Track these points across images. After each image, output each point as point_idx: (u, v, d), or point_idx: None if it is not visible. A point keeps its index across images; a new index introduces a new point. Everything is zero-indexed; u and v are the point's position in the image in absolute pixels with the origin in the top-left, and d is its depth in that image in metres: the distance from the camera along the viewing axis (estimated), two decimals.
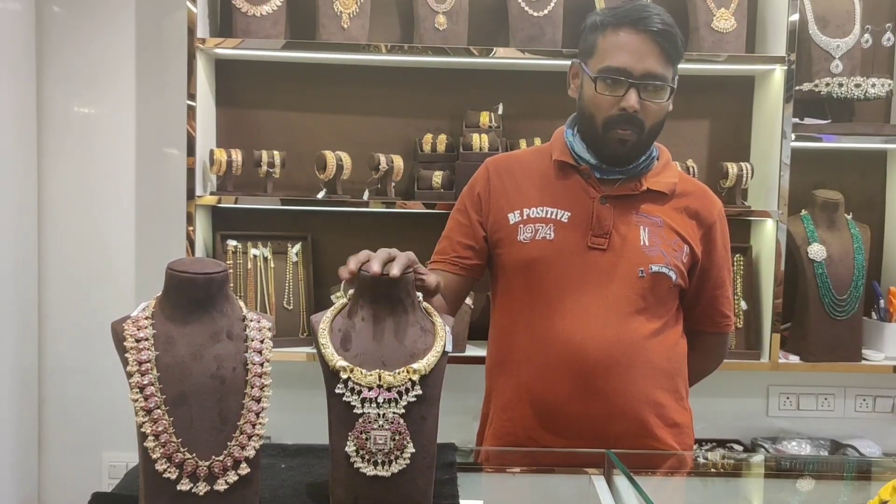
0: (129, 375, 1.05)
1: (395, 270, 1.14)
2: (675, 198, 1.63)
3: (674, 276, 1.59)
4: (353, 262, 1.17)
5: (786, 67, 2.40)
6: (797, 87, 2.48)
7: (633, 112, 1.52)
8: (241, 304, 1.16)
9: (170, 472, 1.03)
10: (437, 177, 2.44)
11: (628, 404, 1.57)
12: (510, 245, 1.61)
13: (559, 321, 1.55)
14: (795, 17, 2.40)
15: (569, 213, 1.58)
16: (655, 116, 1.55)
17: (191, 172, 2.34)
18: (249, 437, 1.07)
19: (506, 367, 1.65)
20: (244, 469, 1.06)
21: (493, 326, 1.71)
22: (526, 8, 2.41)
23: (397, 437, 1.09)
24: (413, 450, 1.10)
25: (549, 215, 1.59)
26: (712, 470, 1.81)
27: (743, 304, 2.52)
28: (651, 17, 1.52)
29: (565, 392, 1.55)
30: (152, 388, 1.04)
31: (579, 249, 1.56)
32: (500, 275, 1.67)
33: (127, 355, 1.06)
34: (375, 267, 1.14)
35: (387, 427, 1.09)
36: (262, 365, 1.10)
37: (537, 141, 2.44)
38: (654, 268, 1.56)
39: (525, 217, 1.60)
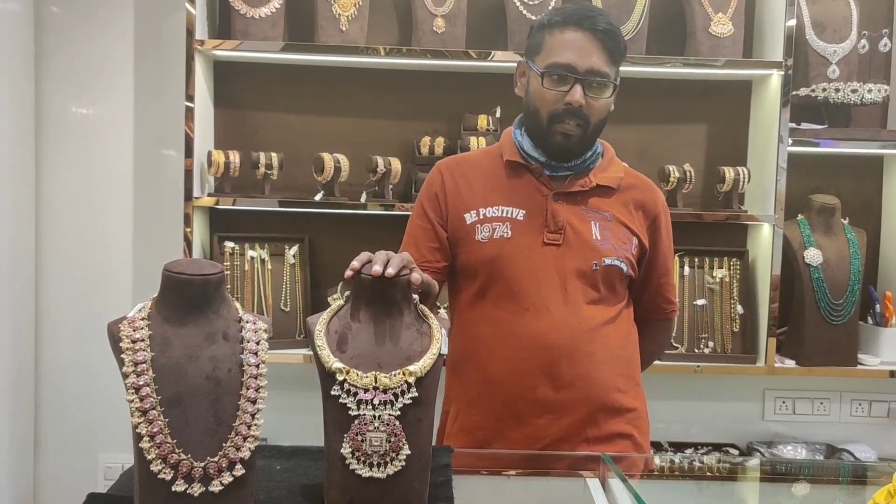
0: (125, 376, 1.05)
1: (390, 270, 1.18)
2: (621, 191, 1.69)
3: (625, 268, 1.65)
4: (356, 262, 1.21)
5: (783, 72, 2.41)
6: (794, 92, 2.48)
7: (578, 107, 1.57)
8: (238, 305, 1.16)
9: (165, 473, 1.03)
10: None
11: (592, 388, 1.62)
12: (469, 244, 1.65)
13: (522, 314, 1.60)
14: (793, 22, 2.41)
15: (523, 211, 1.64)
16: (599, 113, 1.61)
17: (188, 174, 2.34)
18: (245, 439, 1.07)
19: (470, 363, 1.68)
20: (239, 470, 1.06)
21: (453, 325, 1.74)
22: (524, 11, 2.42)
23: (393, 439, 1.09)
24: (408, 452, 1.10)
25: (505, 214, 1.64)
26: (708, 474, 1.82)
27: (739, 309, 2.53)
28: (596, 17, 1.59)
29: (532, 381, 1.60)
30: (148, 388, 1.05)
31: (536, 245, 1.62)
32: (459, 273, 1.71)
33: (123, 356, 1.06)
34: (377, 267, 1.18)
35: (382, 429, 1.09)
36: (257, 366, 1.11)
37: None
38: (607, 261, 1.63)
39: (482, 217, 1.64)
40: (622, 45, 1.62)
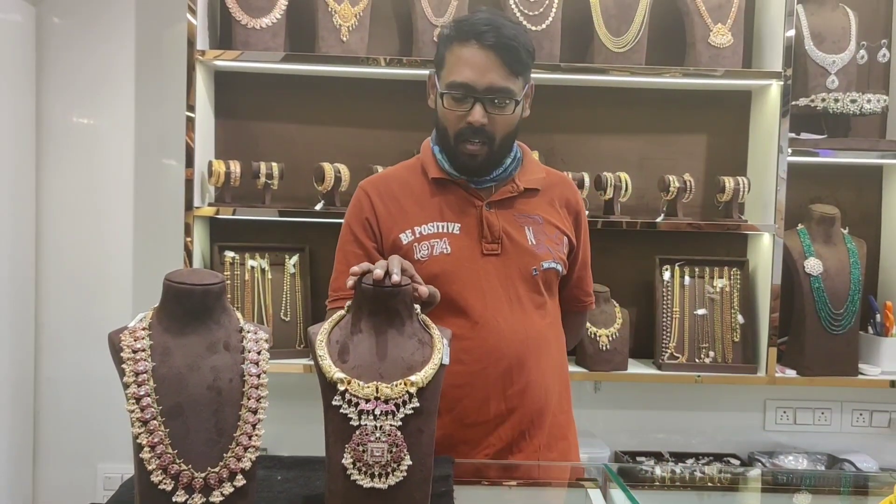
0: (126, 386, 1.05)
1: (395, 277, 1.19)
2: (545, 191, 1.69)
3: (560, 269, 1.67)
4: (356, 268, 1.22)
5: (782, 83, 2.42)
6: (793, 103, 2.49)
7: (480, 126, 1.54)
8: (239, 315, 1.16)
9: (165, 484, 1.03)
10: None
11: (537, 395, 1.62)
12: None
13: (473, 328, 1.58)
14: (792, 32, 2.42)
15: (459, 225, 1.61)
16: (505, 128, 1.58)
17: (189, 183, 2.34)
18: (245, 449, 1.07)
19: None
20: (240, 481, 1.06)
21: None
22: (525, 22, 2.42)
23: (394, 450, 1.09)
24: (410, 462, 1.10)
25: (441, 229, 1.61)
26: (709, 484, 1.81)
27: (740, 318, 2.53)
28: (493, 30, 1.53)
29: (484, 394, 1.59)
30: (148, 398, 1.04)
31: (476, 257, 1.60)
32: None
33: (124, 366, 1.06)
34: (378, 272, 1.19)
35: (384, 439, 1.09)
36: (258, 376, 1.10)
37: (535, 154, 2.45)
38: (545, 264, 1.63)
39: (418, 235, 1.61)
40: (523, 56, 1.56)
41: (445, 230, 1.61)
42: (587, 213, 1.81)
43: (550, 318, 1.68)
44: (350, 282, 1.21)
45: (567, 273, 1.73)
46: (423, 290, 1.27)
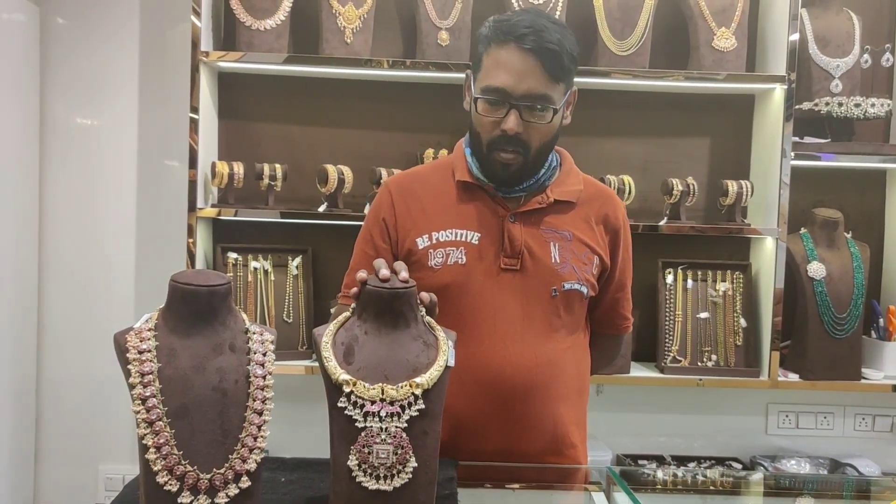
0: (132, 387, 1.05)
1: (402, 273, 1.20)
2: (581, 205, 1.58)
3: (585, 291, 1.56)
4: (360, 274, 1.21)
5: (786, 86, 2.42)
6: (797, 106, 2.49)
7: (515, 134, 1.46)
8: (244, 316, 1.16)
9: (171, 485, 1.03)
10: None
11: (544, 427, 1.54)
12: (421, 271, 1.52)
13: (477, 347, 1.50)
14: (795, 36, 2.42)
15: (479, 235, 1.53)
16: (542, 137, 1.49)
17: (192, 185, 2.34)
18: (251, 451, 1.07)
19: None
20: (245, 482, 1.06)
21: None
22: None
23: (399, 452, 1.09)
24: (415, 464, 1.10)
25: (458, 238, 1.53)
26: (711, 488, 1.81)
27: (742, 322, 2.53)
28: (535, 32, 1.44)
29: (484, 416, 1.52)
30: (154, 399, 1.04)
31: (492, 272, 1.52)
32: None
33: (129, 367, 1.06)
34: (385, 272, 1.18)
35: (389, 441, 1.09)
36: (264, 378, 1.10)
37: None
38: (567, 285, 1.53)
39: (434, 241, 1.53)
40: (566, 62, 1.46)
41: (464, 239, 1.53)
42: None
43: (570, 342, 1.58)
44: (354, 290, 1.20)
45: (600, 293, 1.63)
46: (424, 295, 1.25)
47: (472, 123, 1.54)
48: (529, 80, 1.44)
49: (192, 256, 2.35)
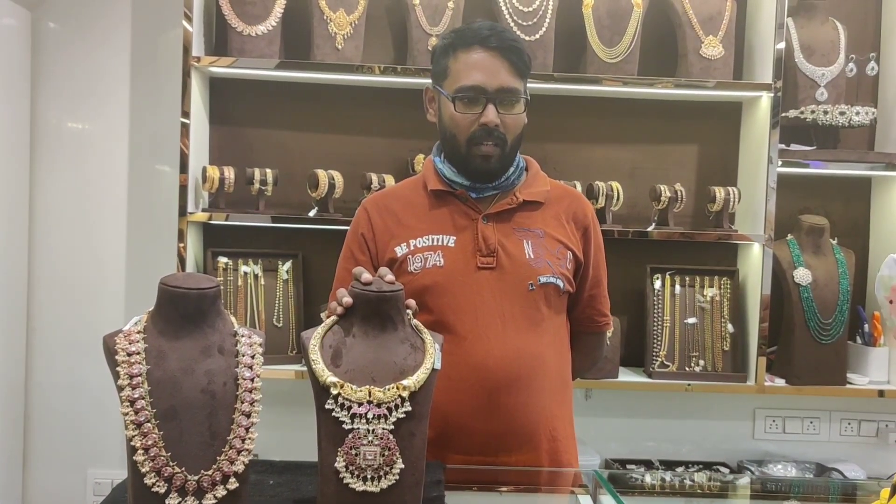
0: (120, 389, 1.06)
1: (388, 276, 1.23)
2: (550, 204, 1.66)
3: (561, 284, 1.62)
4: (348, 298, 1.23)
5: (772, 94, 2.45)
6: (783, 114, 2.52)
7: (494, 126, 1.56)
8: (233, 319, 1.17)
9: (159, 487, 1.03)
10: None
11: (528, 418, 1.59)
12: (401, 276, 1.56)
13: (460, 343, 1.55)
14: (782, 45, 2.45)
15: (454, 237, 1.60)
16: (515, 129, 1.59)
17: (183, 189, 2.35)
18: (239, 452, 1.08)
19: None
20: (233, 484, 1.07)
21: None
22: (519, 33, 2.44)
23: (386, 453, 1.10)
24: (402, 466, 1.11)
25: (435, 242, 1.61)
26: (698, 492, 1.82)
27: (730, 327, 2.55)
28: (497, 34, 1.57)
29: (468, 411, 1.57)
30: (143, 401, 1.05)
31: (470, 271, 1.59)
32: None
33: (118, 369, 1.06)
34: (367, 276, 1.22)
35: (376, 443, 1.10)
36: (252, 380, 1.11)
37: None
38: (542, 279, 1.59)
39: (412, 248, 1.61)
40: (526, 58, 1.60)
41: (440, 243, 1.60)
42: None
43: (551, 336, 1.63)
44: (347, 300, 1.21)
45: (577, 291, 1.69)
46: (411, 302, 1.29)
47: (444, 129, 1.63)
48: (500, 75, 1.56)
49: (182, 261, 2.35)
